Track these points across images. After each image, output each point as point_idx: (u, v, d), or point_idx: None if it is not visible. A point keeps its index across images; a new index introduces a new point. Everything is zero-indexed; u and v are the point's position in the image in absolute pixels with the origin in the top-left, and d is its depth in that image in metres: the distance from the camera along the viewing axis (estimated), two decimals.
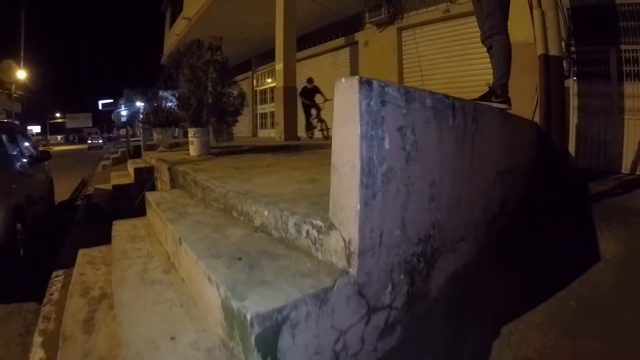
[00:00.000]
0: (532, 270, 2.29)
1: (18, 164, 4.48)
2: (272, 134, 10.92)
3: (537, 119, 4.24)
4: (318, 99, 9.28)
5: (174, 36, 14.83)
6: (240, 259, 1.31)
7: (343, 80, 1.12)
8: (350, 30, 10.00)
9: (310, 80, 9.39)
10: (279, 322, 0.96)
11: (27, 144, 5.36)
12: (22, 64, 27.93)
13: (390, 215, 1.23)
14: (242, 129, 15.39)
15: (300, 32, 8.74)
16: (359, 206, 1.08)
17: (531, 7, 4.35)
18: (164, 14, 18.72)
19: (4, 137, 4.30)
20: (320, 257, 1.28)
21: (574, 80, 5.42)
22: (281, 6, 8.10)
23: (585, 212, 3.27)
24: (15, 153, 4.55)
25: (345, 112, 1.10)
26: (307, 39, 11.36)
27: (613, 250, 2.52)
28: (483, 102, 2.56)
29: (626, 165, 5.23)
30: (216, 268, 1.23)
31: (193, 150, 4.52)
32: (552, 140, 4.20)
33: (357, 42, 9.79)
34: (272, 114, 12.97)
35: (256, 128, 15.81)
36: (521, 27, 4.50)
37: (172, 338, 1.18)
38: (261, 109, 15.51)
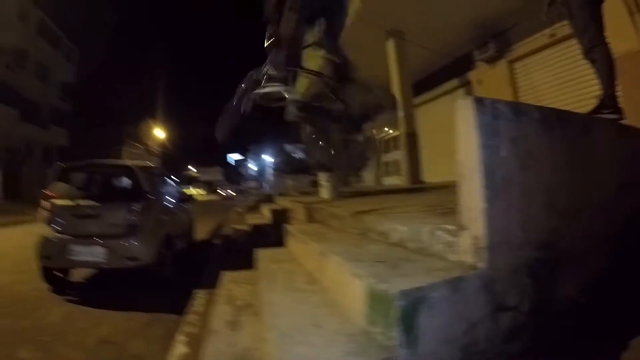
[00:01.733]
0: None
1: (168, 201, 5.61)
2: (397, 181, 11.01)
3: None
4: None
5: None
6: (381, 262, 1.54)
7: (460, 101, 1.35)
8: (463, 71, 9.93)
9: None
10: (418, 299, 1.15)
11: (173, 187, 6.62)
12: (158, 123, 34.07)
13: (512, 216, 1.36)
14: (367, 177, 15.58)
15: (414, 78, 8.85)
16: (482, 204, 1.25)
17: (631, 14, 3.94)
18: None
19: (158, 179, 5.49)
20: (452, 259, 1.45)
21: None
22: (393, 56, 8.52)
23: None
24: (166, 192, 5.71)
25: (465, 126, 1.32)
26: (421, 85, 11.36)
27: None
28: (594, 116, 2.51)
29: None
30: (361, 267, 1.48)
31: (324, 194, 4.91)
32: None
33: (470, 82, 9.71)
34: (395, 162, 13.11)
35: (381, 176, 15.92)
36: (623, 37, 4.11)
37: (317, 326, 1.40)
38: (384, 157, 15.73)
